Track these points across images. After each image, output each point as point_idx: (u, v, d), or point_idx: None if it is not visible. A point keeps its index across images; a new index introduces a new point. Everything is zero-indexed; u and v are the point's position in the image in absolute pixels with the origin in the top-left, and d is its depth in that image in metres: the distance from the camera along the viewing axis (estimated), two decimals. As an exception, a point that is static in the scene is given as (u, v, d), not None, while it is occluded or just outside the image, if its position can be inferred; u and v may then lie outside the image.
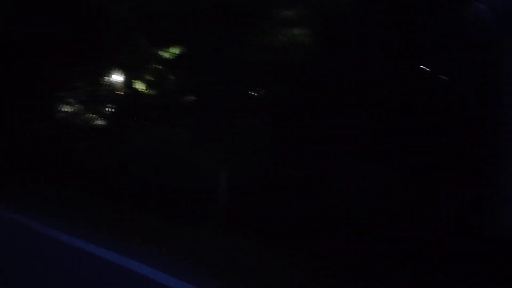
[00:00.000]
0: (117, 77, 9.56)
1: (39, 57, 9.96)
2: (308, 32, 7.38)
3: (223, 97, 7.07)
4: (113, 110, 9.19)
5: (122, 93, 9.18)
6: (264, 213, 6.26)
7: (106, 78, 9.59)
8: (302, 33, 7.45)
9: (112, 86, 9.49)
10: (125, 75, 9.37)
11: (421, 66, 6.48)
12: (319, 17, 7.38)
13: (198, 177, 6.89)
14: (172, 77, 8.33)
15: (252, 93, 7.40)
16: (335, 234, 5.92)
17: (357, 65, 6.62)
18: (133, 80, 8.91)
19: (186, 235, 6.07)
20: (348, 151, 6.22)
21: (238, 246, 5.75)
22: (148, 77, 8.82)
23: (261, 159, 6.47)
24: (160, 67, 8.63)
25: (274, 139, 6.57)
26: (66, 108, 10.38)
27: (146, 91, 8.72)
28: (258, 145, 6.53)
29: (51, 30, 9.55)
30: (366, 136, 6.19)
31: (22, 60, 10.30)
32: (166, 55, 8.71)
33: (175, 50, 8.63)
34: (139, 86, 8.80)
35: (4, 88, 11.07)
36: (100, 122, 9.49)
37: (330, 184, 6.23)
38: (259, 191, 6.43)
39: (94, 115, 9.63)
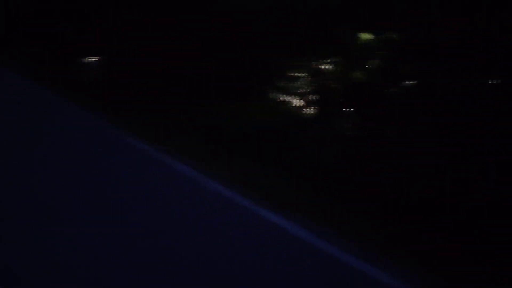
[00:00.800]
0: (333, 66, 9.27)
1: (260, 48, 10.24)
2: None
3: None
4: (332, 101, 8.88)
5: (340, 82, 8.85)
6: None
7: (323, 67, 9.38)
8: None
9: (329, 75, 9.23)
10: (342, 63, 9.03)
11: None
12: None
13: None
14: (397, 66, 7.66)
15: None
16: None
17: None
18: (352, 69, 8.52)
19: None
20: None
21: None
22: (368, 65, 8.33)
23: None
24: (383, 52, 8.04)
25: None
26: (283, 98, 10.47)
27: (365, 80, 8.23)
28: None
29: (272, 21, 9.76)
30: None
31: (244, 50, 10.71)
32: (384, 41, 8.11)
33: (393, 36, 7.98)
34: (359, 75, 8.37)
35: (224, 76, 11.62)
36: (317, 113, 9.29)
37: None
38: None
39: (312, 106, 9.50)
